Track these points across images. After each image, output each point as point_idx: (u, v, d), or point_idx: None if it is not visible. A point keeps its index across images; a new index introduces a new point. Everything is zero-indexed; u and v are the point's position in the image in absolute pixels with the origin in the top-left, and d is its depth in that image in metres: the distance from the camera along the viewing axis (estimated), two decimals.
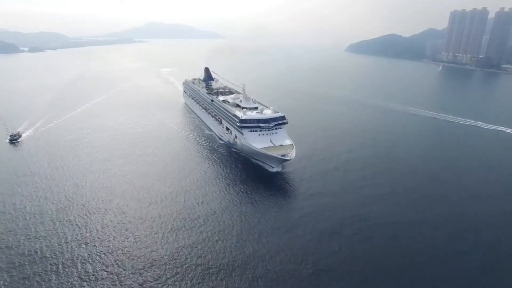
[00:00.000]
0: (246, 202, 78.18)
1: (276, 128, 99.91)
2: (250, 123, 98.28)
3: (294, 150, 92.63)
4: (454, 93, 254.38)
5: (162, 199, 78.39)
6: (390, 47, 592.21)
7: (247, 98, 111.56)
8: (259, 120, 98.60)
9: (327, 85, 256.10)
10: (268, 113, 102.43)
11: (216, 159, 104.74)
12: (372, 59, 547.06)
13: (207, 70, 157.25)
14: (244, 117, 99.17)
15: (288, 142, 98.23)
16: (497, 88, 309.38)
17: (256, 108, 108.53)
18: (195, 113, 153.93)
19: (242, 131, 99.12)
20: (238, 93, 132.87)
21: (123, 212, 72.18)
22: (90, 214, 70.96)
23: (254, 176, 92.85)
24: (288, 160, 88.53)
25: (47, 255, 58.12)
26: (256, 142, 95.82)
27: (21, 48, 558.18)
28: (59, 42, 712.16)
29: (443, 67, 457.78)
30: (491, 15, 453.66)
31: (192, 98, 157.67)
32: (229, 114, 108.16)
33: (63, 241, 61.90)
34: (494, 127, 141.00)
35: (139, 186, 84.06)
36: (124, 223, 68.25)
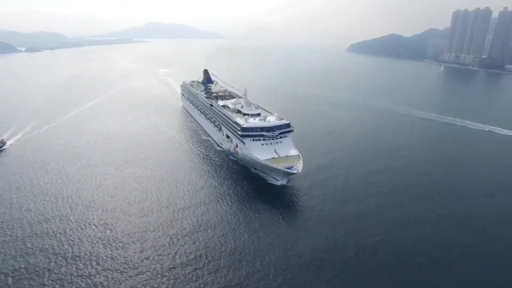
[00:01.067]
0: (246, 216, 71.14)
1: (281, 137, 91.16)
2: (252, 131, 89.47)
3: (301, 161, 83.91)
4: (458, 95, 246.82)
5: (154, 212, 71.64)
6: (391, 47, 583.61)
7: (249, 104, 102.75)
8: (262, 128, 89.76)
9: (330, 87, 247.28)
10: (272, 120, 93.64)
11: (215, 167, 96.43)
12: (374, 60, 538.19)
13: (206, 72, 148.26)
14: (246, 125, 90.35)
15: (294, 152, 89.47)
16: (501, 89, 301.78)
17: (258, 114, 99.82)
18: (194, 118, 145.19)
19: (243, 140, 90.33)
20: (239, 97, 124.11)
21: (111, 230, 65.15)
22: (80, 228, 63.30)
23: (256, 188, 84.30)
24: (294, 173, 79.76)
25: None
26: (259, 152, 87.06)
27: (19, 48, 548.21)
28: (57, 42, 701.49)
29: (445, 68, 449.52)
30: (495, 14, 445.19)
31: (190, 102, 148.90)
32: (229, 121, 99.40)
33: (45, 259, 55.95)
34: (505, 131, 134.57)
35: (129, 200, 76.40)
36: (112, 241, 61.50)
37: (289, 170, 79.77)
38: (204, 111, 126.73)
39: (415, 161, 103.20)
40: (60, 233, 63.15)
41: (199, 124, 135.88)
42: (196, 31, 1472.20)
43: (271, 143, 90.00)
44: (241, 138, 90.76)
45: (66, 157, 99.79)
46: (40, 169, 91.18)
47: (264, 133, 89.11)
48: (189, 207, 74.12)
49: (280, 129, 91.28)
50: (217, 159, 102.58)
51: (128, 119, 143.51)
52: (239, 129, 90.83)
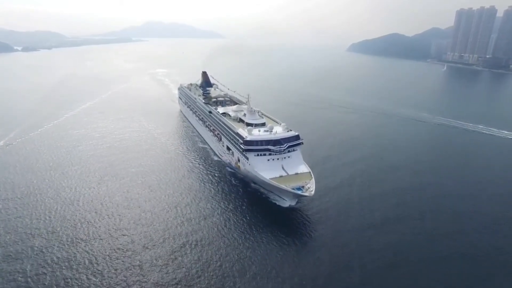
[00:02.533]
0: (247, 242, 61.35)
1: (289, 151, 79.37)
2: (257, 145, 77.61)
3: (313, 180, 72.15)
4: (465, 97, 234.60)
5: (138, 234, 61.90)
6: (393, 47, 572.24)
7: (252, 112, 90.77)
8: (268, 142, 77.89)
9: (334, 88, 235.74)
10: (279, 132, 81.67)
11: (212, 181, 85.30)
12: (376, 60, 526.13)
13: (204, 74, 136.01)
14: (249, 138, 78.47)
15: (304, 169, 77.67)
16: (507, 90, 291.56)
17: (263, 124, 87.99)
18: (191, 124, 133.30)
19: (247, 155, 78.54)
20: (241, 103, 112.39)
21: (93, 261, 54.62)
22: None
23: (260, 209, 72.93)
24: (306, 196, 68.04)
25: None
26: (265, 170, 75.27)
27: (15, 48, 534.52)
28: (55, 41, 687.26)
29: (448, 68, 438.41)
30: (500, 13, 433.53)
31: (187, 107, 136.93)
32: (230, 131, 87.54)
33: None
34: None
35: (116, 220, 66.50)
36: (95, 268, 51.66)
37: (300, 193, 68.05)
38: (202, 118, 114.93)
39: (441, 178, 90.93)
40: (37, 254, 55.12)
41: (197, 131, 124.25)
42: (196, 31, 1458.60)
43: (278, 159, 78.24)
44: (244, 153, 79.00)
45: (44, 168, 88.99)
46: (22, 181, 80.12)
47: (270, 147, 77.30)
48: (181, 229, 64.48)
49: (289, 142, 79.48)
50: (215, 171, 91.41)
51: (120, 125, 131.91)
52: (242, 142, 78.99)
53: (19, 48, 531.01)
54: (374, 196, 78.38)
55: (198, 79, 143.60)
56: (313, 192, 67.66)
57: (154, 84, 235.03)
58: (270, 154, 77.83)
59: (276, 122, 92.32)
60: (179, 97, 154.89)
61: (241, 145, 78.99)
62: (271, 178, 72.77)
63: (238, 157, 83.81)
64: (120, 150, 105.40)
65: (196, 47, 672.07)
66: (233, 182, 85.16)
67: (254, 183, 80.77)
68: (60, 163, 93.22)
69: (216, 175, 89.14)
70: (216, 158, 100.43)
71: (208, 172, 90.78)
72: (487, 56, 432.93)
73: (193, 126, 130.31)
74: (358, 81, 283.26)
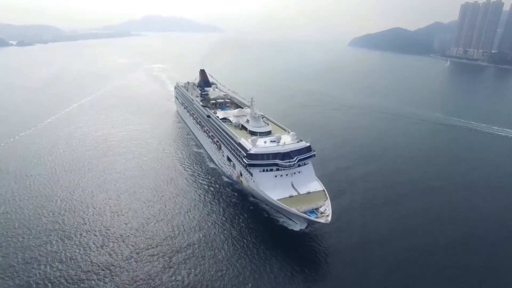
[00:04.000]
0: (250, 268, 52.41)
1: (299, 165, 67.83)
2: (262, 159, 65.94)
3: (329, 202, 60.77)
4: (474, 95, 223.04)
5: (128, 253, 52.77)
6: (396, 42, 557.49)
7: (256, 118, 78.77)
8: (275, 155, 66.22)
9: (338, 86, 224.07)
10: (287, 142, 69.86)
11: (209, 194, 74.74)
12: (379, 55, 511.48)
13: (203, 72, 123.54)
14: (253, 150, 66.76)
15: (317, 186, 66.22)
16: None
17: (269, 132, 76.24)
18: (188, 126, 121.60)
19: (250, 170, 67.04)
20: (243, 105, 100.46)
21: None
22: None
23: (264, 231, 62.22)
24: (322, 223, 56.51)
25: None
26: (272, 188, 63.82)
27: (10, 42, 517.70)
28: (51, 36, 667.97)
29: (451, 63, 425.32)
30: (506, 7, 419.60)
31: (184, 108, 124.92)
32: (231, 141, 75.83)
33: None
34: None
35: (99, 238, 57.41)
36: None
37: (314, 219, 56.73)
38: (200, 122, 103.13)
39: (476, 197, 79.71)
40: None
41: (193, 134, 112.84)
42: (196, 25, 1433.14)
43: (287, 175, 66.73)
44: (247, 168, 67.48)
45: (18, 176, 78.10)
46: None
47: (278, 161, 65.65)
48: (174, 247, 55.76)
49: (299, 154, 67.84)
50: (211, 181, 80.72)
51: (111, 126, 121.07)
52: (245, 155, 67.33)
53: (14, 43, 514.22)
54: (398, 219, 67.08)
55: (195, 78, 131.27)
56: (329, 218, 56.23)
57: (150, 81, 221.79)
58: (277, 170, 66.31)
59: (283, 129, 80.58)
60: (176, 97, 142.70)
61: (244, 159, 67.37)
62: (279, 199, 61.43)
63: (240, 170, 72.31)
64: (107, 154, 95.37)
65: (195, 41, 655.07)
66: (233, 195, 74.44)
67: (258, 199, 69.51)
68: (42, 168, 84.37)
69: (213, 186, 78.66)
70: (212, 165, 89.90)
71: (204, 182, 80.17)
72: (493, 51, 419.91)
73: (190, 128, 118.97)
74: (364, 78, 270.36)
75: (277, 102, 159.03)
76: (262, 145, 68.54)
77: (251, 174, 66.99)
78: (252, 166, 66.04)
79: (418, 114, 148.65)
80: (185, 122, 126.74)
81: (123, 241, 57.33)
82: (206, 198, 72.93)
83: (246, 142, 70.06)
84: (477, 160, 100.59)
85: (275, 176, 66.04)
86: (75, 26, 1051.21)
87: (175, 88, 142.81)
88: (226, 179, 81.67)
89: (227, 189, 77.29)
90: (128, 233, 59.49)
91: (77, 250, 54.73)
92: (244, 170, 69.30)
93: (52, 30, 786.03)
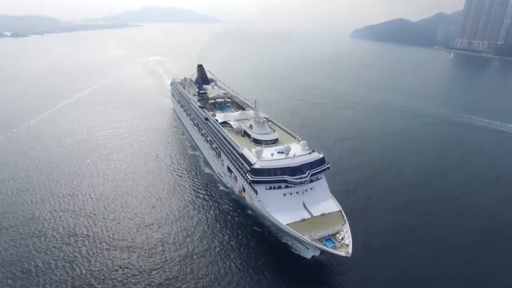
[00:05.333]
0: None
1: (312, 180, 57.68)
2: (269, 174, 55.68)
3: (348, 227, 51.00)
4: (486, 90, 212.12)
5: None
6: (398, 33, 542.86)
7: (260, 123, 68.03)
8: (284, 170, 55.92)
9: (344, 81, 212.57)
10: (298, 154, 59.24)
11: (206, 208, 65.33)
12: (382, 47, 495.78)
13: (201, 68, 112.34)
14: (258, 165, 56.41)
15: (333, 206, 56.24)
16: None
17: (276, 141, 65.82)
18: (184, 126, 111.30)
19: (255, 188, 57.00)
20: (246, 106, 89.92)
21: None
22: None
23: (269, 257, 53.05)
24: (342, 255, 46.59)
25: None
26: (280, 210, 53.83)
27: (4, 33, 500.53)
28: (48, 27, 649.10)
29: (455, 55, 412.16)
30: None
31: (181, 106, 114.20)
32: (233, 150, 65.57)
33: None
34: None
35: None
36: None
37: (332, 250, 46.91)
38: (197, 124, 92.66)
39: None
40: None
41: (190, 135, 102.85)
42: (195, 15, 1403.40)
43: (297, 192, 56.67)
44: (251, 185, 57.42)
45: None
46: None
47: (287, 177, 55.45)
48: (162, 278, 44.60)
49: (312, 168, 57.61)
50: (209, 192, 71.41)
51: (103, 125, 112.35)
52: (249, 169, 57.13)
53: (8, 34, 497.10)
54: (430, 243, 57.33)
55: (193, 73, 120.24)
56: (351, 251, 46.41)
57: (146, 75, 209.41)
58: (287, 187, 56.24)
59: (292, 136, 70.13)
60: (172, 94, 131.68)
61: (247, 174, 57.17)
62: (289, 224, 51.57)
63: (242, 185, 62.28)
64: (94, 155, 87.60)
65: (194, 32, 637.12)
66: (231, 208, 65.36)
67: (263, 219, 59.73)
68: (21, 171, 75.94)
69: (208, 196, 69.62)
70: (207, 171, 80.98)
71: (199, 192, 71.14)
72: (499, 43, 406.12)
73: (186, 128, 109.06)
74: (369, 73, 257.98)
75: (280, 100, 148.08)
76: (268, 157, 58.13)
77: (256, 192, 56.99)
78: (257, 183, 55.94)
79: (432, 112, 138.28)
80: (181, 121, 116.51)
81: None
82: (200, 212, 63.35)
83: (250, 153, 59.72)
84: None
85: (284, 194, 56.00)
86: (73, 16, 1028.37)
87: (171, 84, 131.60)
88: (222, 187, 73.03)
89: (225, 200, 68.21)
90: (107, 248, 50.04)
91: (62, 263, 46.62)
92: (248, 185, 59.30)
93: (49, 20, 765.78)
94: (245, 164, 58.93)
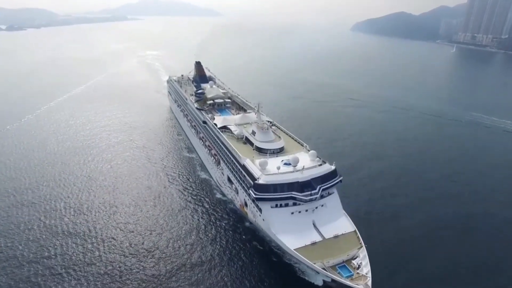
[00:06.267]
0: None
1: (322, 196, 50.78)
2: (275, 191, 48.71)
3: (365, 251, 44.35)
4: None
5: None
6: (400, 27, 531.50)
7: (264, 130, 60.62)
8: (292, 185, 48.93)
9: (347, 77, 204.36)
10: (307, 166, 52.03)
11: (202, 219, 58.63)
12: (384, 41, 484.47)
13: (199, 65, 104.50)
14: (263, 180, 49.34)
15: (347, 225, 49.42)
16: None
17: (281, 149, 58.58)
18: (181, 126, 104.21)
19: (259, 206, 50.15)
20: (248, 107, 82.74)
21: None
22: None
23: (273, 280, 46.65)
24: None
25: None
26: (288, 232, 47.12)
27: (0, 26, 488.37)
28: (45, 20, 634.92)
29: (458, 49, 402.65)
30: None
31: (177, 106, 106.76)
32: (234, 161, 58.50)
33: None
34: None
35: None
36: None
37: (349, 283, 40.23)
38: (195, 126, 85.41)
39: None
40: None
41: (187, 136, 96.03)
42: (193, 8, 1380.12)
43: (306, 210, 49.81)
44: (255, 202, 50.57)
45: None
46: None
47: (296, 194, 48.52)
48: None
49: (323, 182, 50.71)
50: (205, 200, 65.17)
51: (96, 123, 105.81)
52: (252, 184, 50.19)
53: (4, 27, 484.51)
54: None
55: (190, 71, 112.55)
56: (370, 283, 39.77)
57: (143, 71, 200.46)
58: (294, 204, 49.38)
59: (298, 142, 62.86)
60: (169, 92, 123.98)
61: (250, 190, 50.25)
62: (298, 249, 44.88)
63: (244, 199, 55.42)
64: (85, 156, 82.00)
65: (193, 25, 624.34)
66: (230, 220, 58.79)
67: (267, 240, 53.02)
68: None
69: (205, 205, 63.00)
70: (203, 176, 74.41)
71: (195, 200, 64.61)
72: (503, 37, 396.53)
73: (182, 128, 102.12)
74: (373, 68, 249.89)
75: (283, 98, 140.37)
76: (274, 170, 51.02)
77: (260, 210, 50.15)
78: (261, 201, 49.08)
79: (446, 112, 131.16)
80: (177, 121, 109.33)
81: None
82: (193, 223, 56.69)
83: (253, 165, 52.66)
84: None
85: (292, 213, 49.19)
86: (70, 9, 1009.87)
87: (167, 82, 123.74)
88: (219, 195, 66.69)
89: (223, 210, 61.65)
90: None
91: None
92: (250, 201, 52.45)
93: (46, 14, 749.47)
94: (248, 178, 51.99)
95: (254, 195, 48.72)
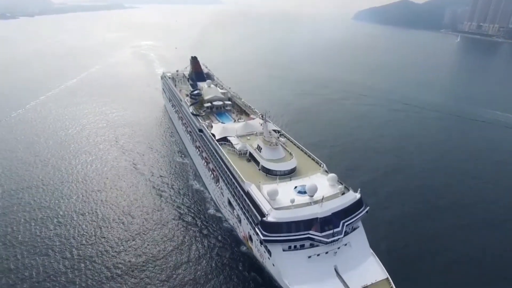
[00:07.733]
0: None
1: (346, 232, 40.23)
2: (288, 231, 38.11)
3: None
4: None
5: None
6: (404, 15, 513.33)
7: (272, 144, 49.52)
8: (310, 223, 38.34)
9: (354, 71, 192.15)
10: (326, 195, 40.48)
11: (193, 244, 48.49)
12: (387, 30, 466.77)
13: (195, 61, 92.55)
14: (273, 216, 38.60)
15: (377, 271, 39.07)
16: None
17: (293, 170, 47.64)
18: (175, 127, 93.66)
19: (269, 248, 39.89)
20: (250, 111, 71.64)
21: None
22: None
23: None
24: None
25: None
26: (304, 283, 37.01)
27: None
28: (38, 8, 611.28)
29: (462, 39, 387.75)
30: None
31: (172, 106, 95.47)
32: (236, 184, 47.84)
33: None
34: None
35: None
36: None
37: None
38: (190, 132, 74.49)
39: None
40: None
41: (181, 139, 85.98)
42: None
43: (327, 253, 39.51)
44: (263, 244, 40.31)
45: None
46: None
47: (314, 233, 38.04)
48: None
49: (347, 216, 40.24)
50: (197, 218, 55.87)
51: (83, 123, 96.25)
52: (260, 221, 39.73)
53: None
54: None
55: (186, 66, 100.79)
56: None
57: (138, 64, 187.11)
58: (312, 245, 39.11)
59: (312, 159, 51.68)
60: (163, 89, 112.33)
61: (257, 228, 39.81)
62: None
63: (249, 232, 45.13)
64: (66, 159, 73.87)
65: (192, 14, 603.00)
66: (228, 248, 49.29)
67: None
68: None
69: (200, 221, 54.31)
70: (196, 187, 65.11)
71: (183, 216, 55.44)
72: (510, 26, 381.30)
73: (177, 131, 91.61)
74: (381, 62, 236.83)
75: (289, 97, 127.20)
76: (286, 201, 40.20)
77: (269, 253, 39.91)
78: (271, 243, 38.75)
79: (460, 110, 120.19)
80: (172, 121, 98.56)
81: None
82: (184, 248, 46.34)
83: (260, 195, 41.95)
84: None
85: (309, 257, 38.91)
86: None
87: (161, 78, 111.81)
88: (213, 211, 57.64)
89: (217, 231, 52.34)
90: None
91: None
92: (257, 238, 42.13)
93: (40, 1, 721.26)
94: (254, 211, 41.51)
95: (262, 237, 38.32)
